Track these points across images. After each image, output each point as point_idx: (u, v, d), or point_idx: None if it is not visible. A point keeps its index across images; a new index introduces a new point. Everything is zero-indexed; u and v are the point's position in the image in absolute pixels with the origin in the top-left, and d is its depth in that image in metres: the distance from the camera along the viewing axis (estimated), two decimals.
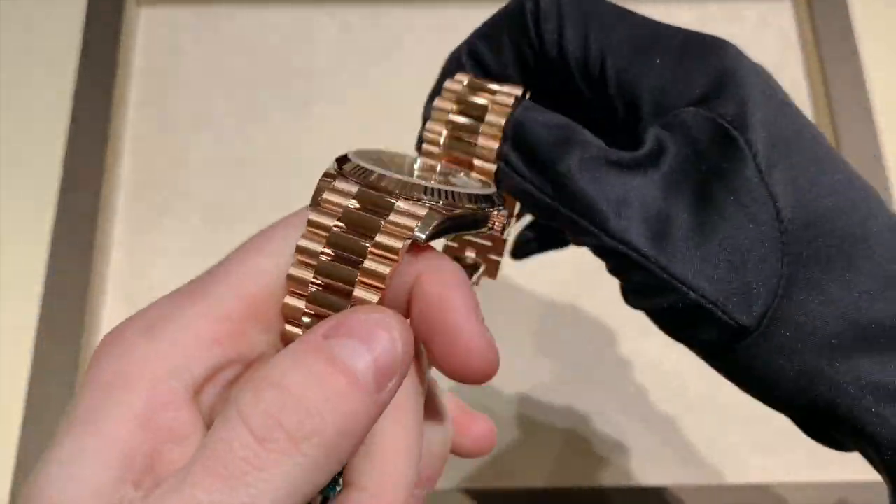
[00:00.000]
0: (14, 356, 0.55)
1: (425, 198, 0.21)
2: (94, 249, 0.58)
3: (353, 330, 0.19)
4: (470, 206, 0.22)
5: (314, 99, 0.65)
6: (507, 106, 0.28)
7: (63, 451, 0.18)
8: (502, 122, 0.27)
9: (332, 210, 0.21)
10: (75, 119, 0.62)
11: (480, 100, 0.28)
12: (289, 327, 0.21)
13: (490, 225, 0.23)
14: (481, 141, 0.28)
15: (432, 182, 0.23)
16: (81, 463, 0.18)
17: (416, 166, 0.27)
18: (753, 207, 0.25)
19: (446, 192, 0.22)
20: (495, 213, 0.23)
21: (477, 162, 0.28)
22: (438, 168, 0.27)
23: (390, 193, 0.21)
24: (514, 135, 0.27)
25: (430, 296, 0.21)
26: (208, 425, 0.20)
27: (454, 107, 0.29)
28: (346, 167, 0.23)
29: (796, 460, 0.53)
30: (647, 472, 0.52)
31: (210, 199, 0.62)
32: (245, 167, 0.62)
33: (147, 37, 0.67)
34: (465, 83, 0.29)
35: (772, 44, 0.67)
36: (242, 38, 0.67)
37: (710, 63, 0.27)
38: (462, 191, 0.23)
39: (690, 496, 0.51)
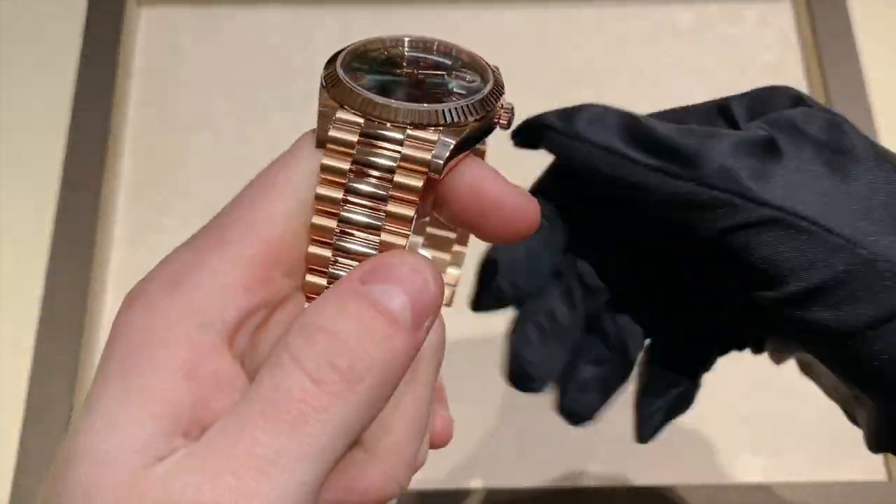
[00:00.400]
0: (14, 356, 0.55)
1: (432, 126, 0.21)
2: (94, 249, 0.58)
3: (389, 275, 0.20)
4: (475, 121, 0.22)
5: (314, 99, 0.65)
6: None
7: (107, 407, 0.18)
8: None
9: (342, 153, 0.21)
10: (75, 119, 0.62)
11: None
12: (312, 277, 0.22)
13: (498, 123, 0.23)
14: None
15: (436, 104, 0.22)
16: (128, 418, 0.18)
17: (406, 54, 0.25)
18: (886, 169, 0.25)
19: (452, 111, 0.22)
20: (500, 110, 0.23)
21: None
22: (433, 57, 0.25)
23: (396, 125, 0.21)
24: (627, 127, 0.27)
25: (465, 188, 0.23)
26: (246, 372, 0.20)
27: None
28: (343, 93, 0.22)
29: (796, 460, 0.53)
30: (647, 472, 0.52)
31: (210, 199, 0.61)
32: (245, 167, 0.62)
33: (147, 37, 0.67)
34: None
35: (772, 44, 0.67)
36: (242, 38, 0.67)
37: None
38: (465, 104, 0.22)
39: (690, 496, 0.51)
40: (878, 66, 0.64)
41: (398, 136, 0.21)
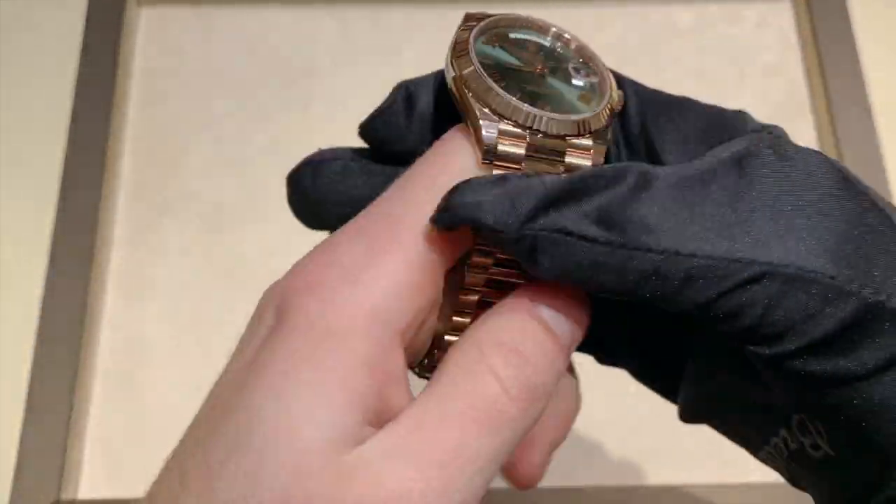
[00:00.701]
0: (14, 356, 0.55)
1: (590, 143, 0.23)
2: (94, 249, 0.58)
3: (555, 299, 0.22)
4: (610, 117, 0.24)
5: (314, 99, 0.65)
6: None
7: (302, 394, 0.19)
8: None
9: (509, 168, 0.23)
10: (75, 119, 0.62)
11: None
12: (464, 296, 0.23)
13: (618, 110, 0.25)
14: None
15: (591, 112, 0.24)
16: (326, 405, 0.19)
17: (526, 39, 0.27)
18: (852, 192, 0.22)
19: (601, 118, 0.24)
20: (620, 99, 0.25)
21: None
22: (570, 65, 0.27)
23: (556, 137, 0.23)
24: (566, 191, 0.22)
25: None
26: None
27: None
28: (494, 99, 0.23)
29: None
30: (647, 471, 0.52)
31: (210, 199, 0.62)
32: (245, 167, 0.62)
33: (147, 37, 0.67)
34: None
35: (772, 44, 0.67)
36: (242, 38, 0.67)
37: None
38: (605, 107, 0.24)
39: (691, 496, 0.51)
40: (878, 66, 0.64)
41: (560, 146, 0.23)
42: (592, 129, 0.23)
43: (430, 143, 0.24)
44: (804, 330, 0.21)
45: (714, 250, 0.21)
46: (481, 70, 0.23)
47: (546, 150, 0.23)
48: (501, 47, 0.26)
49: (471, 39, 0.25)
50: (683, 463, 0.53)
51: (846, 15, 0.65)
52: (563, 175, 0.22)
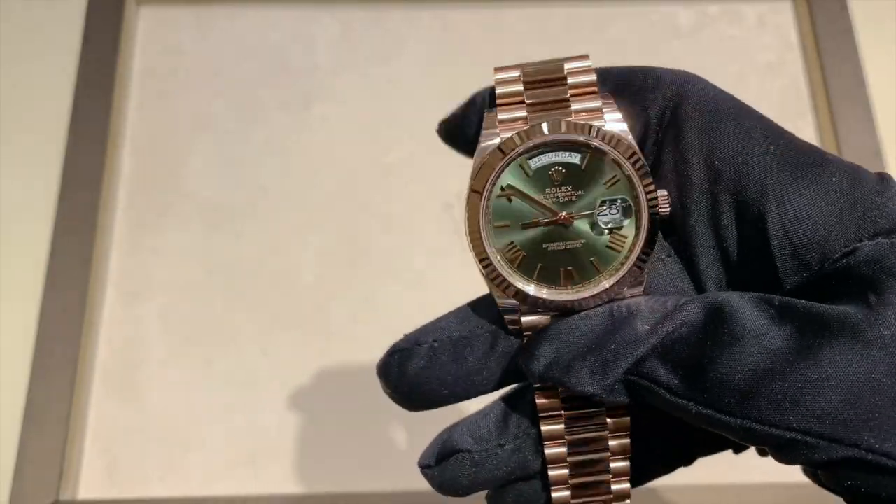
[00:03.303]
0: (14, 356, 0.56)
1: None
2: (94, 249, 0.58)
3: None
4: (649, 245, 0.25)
5: (314, 99, 0.65)
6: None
7: None
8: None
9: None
10: (75, 119, 0.62)
11: None
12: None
13: (659, 215, 0.25)
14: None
15: (617, 275, 0.25)
16: None
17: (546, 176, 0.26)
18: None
19: (637, 269, 0.25)
20: (658, 208, 0.25)
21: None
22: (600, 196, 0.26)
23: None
24: (661, 350, 0.23)
25: None
26: None
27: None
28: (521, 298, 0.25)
29: None
30: None
31: (210, 199, 0.62)
32: (245, 167, 0.62)
33: (147, 37, 0.67)
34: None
35: (772, 44, 0.67)
36: (242, 38, 0.67)
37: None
38: (639, 257, 0.25)
39: (690, 496, 0.51)
40: (878, 65, 0.64)
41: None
42: (623, 283, 0.25)
43: None
44: None
45: (795, 421, 0.21)
46: (498, 262, 0.25)
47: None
48: (521, 195, 0.26)
49: (485, 195, 0.25)
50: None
51: (846, 15, 0.65)
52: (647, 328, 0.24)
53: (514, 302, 0.25)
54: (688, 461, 0.29)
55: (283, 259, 0.60)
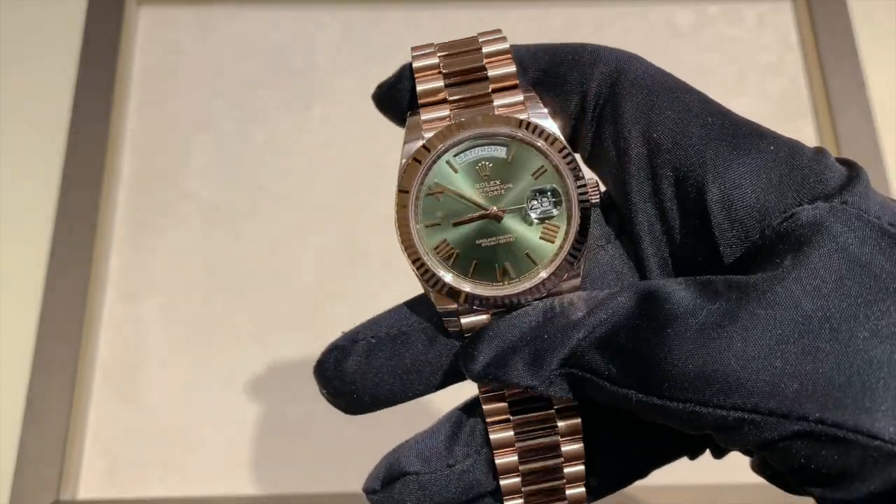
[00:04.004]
0: (14, 356, 0.56)
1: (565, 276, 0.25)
2: (94, 249, 0.58)
3: None
4: (581, 234, 0.25)
5: (314, 99, 0.65)
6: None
7: None
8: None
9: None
10: (75, 119, 0.62)
11: None
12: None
13: (591, 205, 0.25)
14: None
15: (550, 269, 0.25)
16: None
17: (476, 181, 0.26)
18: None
19: (571, 257, 0.25)
20: (590, 195, 0.25)
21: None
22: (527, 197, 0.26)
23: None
24: (601, 341, 0.23)
25: None
26: None
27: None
28: (455, 295, 0.25)
29: None
30: None
31: (210, 199, 0.62)
32: (245, 167, 0.62)
33: (147, 37, 0.67)
34: None
35: (772, 44, 0.67)
36: (242, 38, 0.67)
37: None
38: (571, 251, 0.25)
39: (690, 496, 0.51)
40: (878, 65, 0.64)
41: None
42: (558, 277, 0.25)
43: None
44: (860, 487, 0.20)
45: (752, 402, 0.20)
46: (432, 262, 0.25)
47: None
48: (449, 192, 0.25)
49: (413, 194, 0.25)
50: (683, 463, 0.53)
51: (846, 15, 0.65)
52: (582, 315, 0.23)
53: (452, 304, 0.25)
54: (641, 473, 0.28)
55: (283, 259, 0.60)
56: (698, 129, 0.24)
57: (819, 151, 0.24)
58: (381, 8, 0.68)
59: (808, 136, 0.63)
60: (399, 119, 0.27)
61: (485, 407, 0.25)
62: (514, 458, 0.25)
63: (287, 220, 0.61)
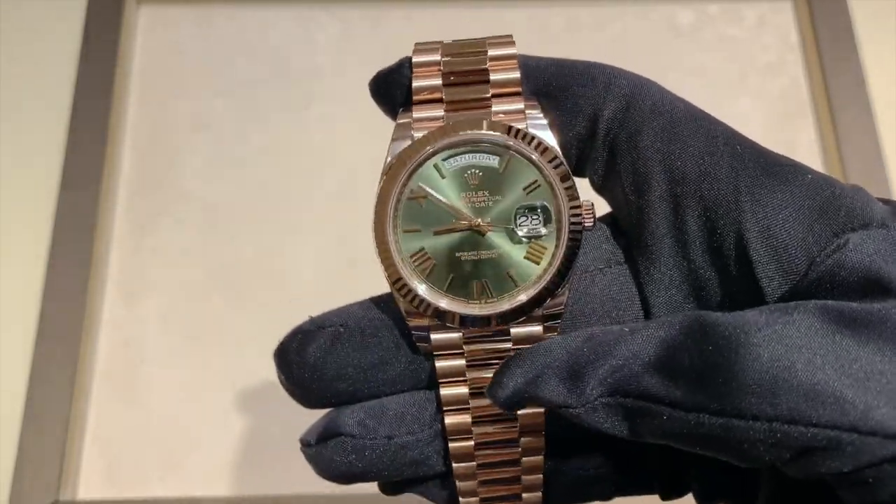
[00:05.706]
0: (14, 356, 0.55)
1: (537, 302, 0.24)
2: (94, 249, 0.58)
3: None
4: (567, 260, 0.23)
5: (314, 99, 0.65)
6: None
7: None
8: None
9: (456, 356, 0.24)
10: (75, 119, 0.62)
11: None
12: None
13: (584, 229, 0.24)
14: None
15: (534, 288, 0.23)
16: None
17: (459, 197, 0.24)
18: None
19: (549, 286, 0.23)
20: (583, 219, 0.24)
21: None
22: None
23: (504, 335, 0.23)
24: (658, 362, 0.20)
25: None
26: None
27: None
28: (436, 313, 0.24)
29: None
30: None
31: (209, 199, 0.62)
32: (245, 167, 0.62)
33: (147, 37, 0.67)
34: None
35: (772, 44, 0.67)
36: (242, 38, 0.67)
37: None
38: (556, 272, 0.23)
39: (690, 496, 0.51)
40: (878, 65, 0.64)
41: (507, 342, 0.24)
42: (544, 297, 0.23)
43: None
44: None
45: (840, 418, 0.18)
46: (407, 273, 0.24)
47: (493, 353, 0.24)
48: (433, 199, 0.24)
49: (395, 197, 0.23)
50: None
51: (846, 14, 0.65)
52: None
53: (424, 320, 0.23)
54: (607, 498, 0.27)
55: (282, 259, 0.60)
56: (728, 158, 0.22)
57: (856, 187, 0.23)
58: (381, 8, 0.68)
59: (808, 136, 0.63)
60: (392, 112, 0.26)
61: (448, 421, 0.24)
62: (471, 443, 0.24)
63: (287, 220, 0.61)
